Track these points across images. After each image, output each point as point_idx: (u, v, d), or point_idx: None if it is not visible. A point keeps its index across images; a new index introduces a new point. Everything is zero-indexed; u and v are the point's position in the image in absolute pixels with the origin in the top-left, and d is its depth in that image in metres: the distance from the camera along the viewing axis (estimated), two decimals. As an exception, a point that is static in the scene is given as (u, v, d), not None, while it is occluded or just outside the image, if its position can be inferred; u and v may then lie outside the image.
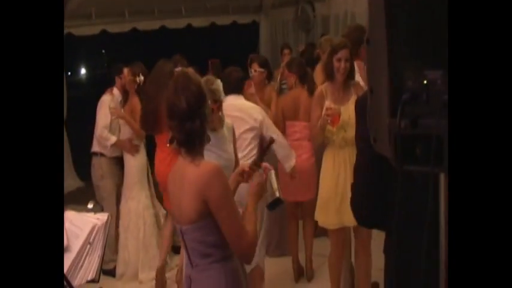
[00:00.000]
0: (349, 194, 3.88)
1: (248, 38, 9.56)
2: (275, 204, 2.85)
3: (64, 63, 6.12)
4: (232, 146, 3.66)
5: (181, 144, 2.48)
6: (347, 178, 3.94)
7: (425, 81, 1.52)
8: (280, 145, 4.34)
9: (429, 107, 1.47)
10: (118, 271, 5.45)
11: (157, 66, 4.95)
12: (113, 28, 7.90)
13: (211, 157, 3.10)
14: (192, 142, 2.47)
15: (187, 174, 2.45)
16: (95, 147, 5.61)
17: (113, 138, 5.45)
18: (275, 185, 2.83)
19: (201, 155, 2.51)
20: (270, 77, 5.61)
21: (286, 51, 7.30)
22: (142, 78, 5.39)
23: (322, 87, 4.19)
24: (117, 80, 5.64)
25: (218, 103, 3.47)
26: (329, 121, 3.91)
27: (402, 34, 1.61)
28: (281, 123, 4.93)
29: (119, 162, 5.68)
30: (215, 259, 2.49)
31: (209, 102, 2.58)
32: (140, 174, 5.48)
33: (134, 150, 5.44)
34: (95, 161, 5.63)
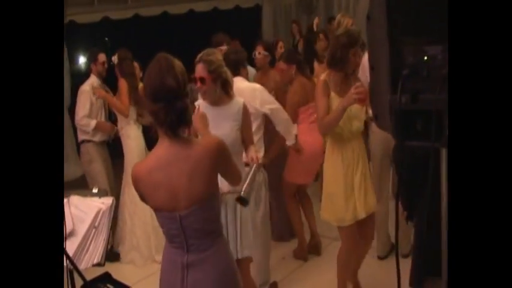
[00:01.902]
0: (360, 187, 3.93)
1: (251, 22, 9.51)
2: (241, 200, 2.97)
3: (67, 51, 6.16)
4: (234, 123, 3.55)
5: (172, 125, 2.39)
6: (357, 171, 3.94)
7: (425, 57, 1.52)
8: (281, 120, 4.32)
9: (429, 82, 1.47)
10: (126, 257, 5.49)
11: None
12: (115, 15, 7.87)
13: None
14: (182, 122, 2.41)
15: (187, 157, 2.41)
16: (80, 136, 5.67)
17: (93, 123, 5.51)
18: (245, 183, 2.97)
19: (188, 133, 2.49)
20: (273, 61, 5.61)
21: (280, 44, 7.38)
22: (116, 59, 5.44)
23: (324, 76, 4.08)
24: (93, 67, 5.71)
25: (214, 74, 3.41)
26: (357, 99, 3.78)
27: (402, 10, 1.61)
28: (295, 110, 4.94)
29: (108, 146, 5.74)
30: (217, 234, 2.54)
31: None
32: (139, 157, 5.50)
33: (111, 130, 5.51)
34: (83, 148, 5.68)
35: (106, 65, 5.73)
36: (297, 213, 5.23)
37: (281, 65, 5.19)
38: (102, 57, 5.69)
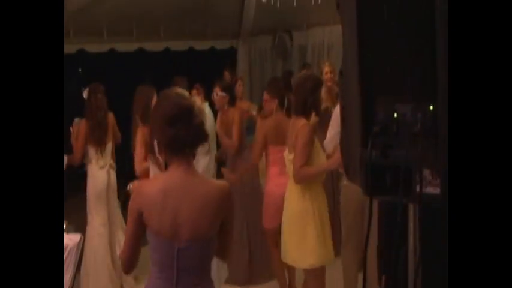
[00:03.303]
0: (324, 229, 3.91)
1: (226, 64, 9.62)
2: None
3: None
4: None
5: (193, 142, 2.46)
6: (322, 214, 3.98)
7: (395, 114, 1.57)
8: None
9: (399, 138, 1.52)
10: None
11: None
12: (90, 47, 7.87)
13: None
14: (201, 139, 2.48)
15: (199, 189, 2.45)
16: None
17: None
18: None
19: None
20: (232, 101, 5.69)
21: (239, 82, 7.53)
22: (86, 93, 5.43)
23: (312, 123, 4.01)
24: None
25: None
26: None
27: (374, 68, 1.66)
28: (263, 148, 4.90)
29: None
30: (207, 273, 2.55)
31: None
32: (96, 197, 5.45)
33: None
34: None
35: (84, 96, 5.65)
36: (278, 260, 4.86)
37: (265, 95, 5.11)
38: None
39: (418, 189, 1.43)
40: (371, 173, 1.49)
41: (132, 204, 2.48)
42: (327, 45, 8.70)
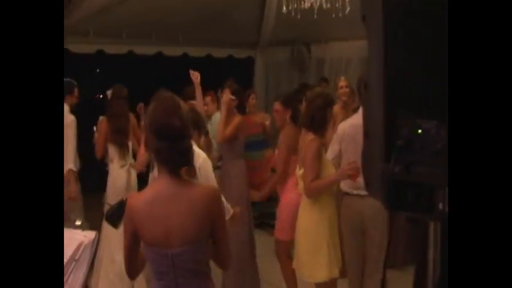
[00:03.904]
0: (335, 242, 3.92)
1: (243, 73, 9.63)
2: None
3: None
4: None
5: (175, 164, 2.45)
6: (333, 227, 4.00)
7: (419, 130, 1.55)
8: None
9: (422, 155, 1.49)
10: None
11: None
12: (110, 49, 7.92)
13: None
14: (184, 162, 2.46)
15: (184, 197, 2.45)
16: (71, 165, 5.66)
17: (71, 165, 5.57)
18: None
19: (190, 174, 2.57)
20: (242, 109, 5.58)
21: (252, 95, 7.52)
22: (110, 94, 5.60)
23: (317, 139, 4.03)
24: (68, 99, 5.74)
25: None
26: (350, 175, 3.80)
27: (400, 82, 1.64)
28: (288, 159, 4.86)
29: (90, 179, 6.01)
30: (206, 275, 2.57)
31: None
32: (115, 196, 5.48)
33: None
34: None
35: (78, 100, 5.80)
36: (291, 274, 4.89)
37: (277, 105, 5.13)
38: (77, 91, 5.80)
39: (441, 207, 1.41)
40: (393, 188, 1.47)
41: (125, 219, 2.55)
42: (345, 60, 8.70)
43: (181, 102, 2.52)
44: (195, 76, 5.34)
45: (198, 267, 2.53)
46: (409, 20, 1.64)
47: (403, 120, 1.60)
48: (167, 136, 2.41)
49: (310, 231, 4.05)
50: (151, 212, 2.45)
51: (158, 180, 2.54)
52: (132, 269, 2.63)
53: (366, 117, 1.76)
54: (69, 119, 5.63)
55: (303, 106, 5.53)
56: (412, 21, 1.63)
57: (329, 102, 4.08)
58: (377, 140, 1.61)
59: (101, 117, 5.69)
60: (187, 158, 2.46)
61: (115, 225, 2.80)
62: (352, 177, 3.81)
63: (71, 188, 5.54)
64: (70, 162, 5.55)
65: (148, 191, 2.60)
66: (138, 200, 2.52)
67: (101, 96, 5.98)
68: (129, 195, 2.60)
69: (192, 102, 5.41)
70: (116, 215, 2.76)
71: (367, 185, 1.63)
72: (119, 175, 5.53)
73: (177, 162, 2.45)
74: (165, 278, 2.51)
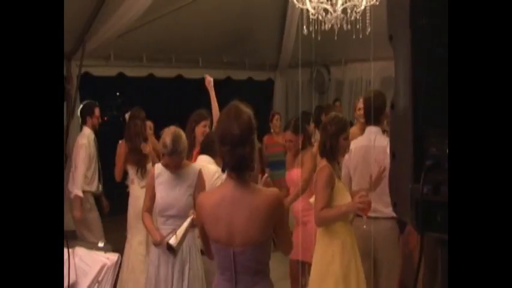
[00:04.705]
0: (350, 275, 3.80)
1: (263, 95, 9.65)
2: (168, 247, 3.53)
3: (79, 101, 6.30)
4: (188, 188, 4.05)
5: (233, 169, 2.68)
6: (351, 259, 3.90)
7: (448, 150, 1.53)
8: None
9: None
10: None
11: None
12: (130, 72, 8.00)
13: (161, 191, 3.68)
14: (243, 167, 2.67)
15: (247, 201, 2.66)
16: (74, 188, 5.69)
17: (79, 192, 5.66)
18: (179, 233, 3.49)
19: (250, 180, 2.74)
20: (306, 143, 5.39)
21: (276, 116, 7.96)
22: (128, 117, 5.74)
23: (328, 166, 3.92)
24: (88, 120, 5.86)
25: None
26: (361, 209, 3.72)
27: (427, 102, 1.63)
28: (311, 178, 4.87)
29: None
30: (264, 274, 2.79)
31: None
32: (134, 217, 5.58)
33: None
34: (83, 197, 5.75)
35: (100, 119, 5.90)
36: None
37: (288, 135, 5.19)
38: (97, 111, 5.89)
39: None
40: (422, 209, 1.45)
41: (197, 215, 2.94)
42: (365, 81, 8.68)
43: (245, 112, 2.73)
44: (208, 81, 5.38)
45: (257, 267, 2.74)
46: (438, 38, 1.62)
47: (431, 140, 1.58)
48: (227, 142, 2.66)
49: (322, 261, 3.94)
50: (216, 213, 2.71)
51: (225, 183, 2.78)
52: (209, 252, 2.91)
53: (392, 138, 1.74)
54: (79, 143, 5.70)
55: (310, 127, 5.56)
56: (440, 41, 1.61)
57: (342, 128, 3.99)
58: (405, 160, 1.59)
59: (120, 141, 5.76)
60: (244, 163, 2.66)
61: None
62: (363, 211, 3.76)
63: (75, 213, 5.60)
64: (77, 187, 5.60)
65: (217, 192, 2.87)
66: (206, 199, 2.81)
67: (121, 119, 6.03)
68: (200, 195, 2.92)
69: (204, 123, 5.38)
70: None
71: (395, 206, 1.61)
72: (140, 196, 5.56)
73: (235, 167, 2.67)
74: (226, 273, 2.76)
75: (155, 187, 4.14)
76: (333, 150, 3.92)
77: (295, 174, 5.05)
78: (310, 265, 4.79)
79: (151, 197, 4.19)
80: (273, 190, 2.81)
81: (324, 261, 3.94)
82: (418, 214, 1.47)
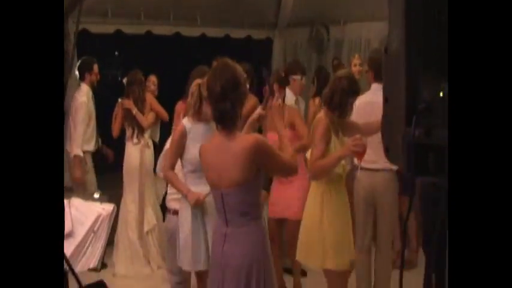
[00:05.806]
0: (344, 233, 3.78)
1: (261, 54, 9.56)
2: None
3: (76, 59, 6.24)
4: None
5: (217, 121, 2.97)
6: (343, 216, 3.87)
7: (441, 94, 1.52)
8: None
9: (443, 118, 1.46)
10: (119, 267, 5.67)
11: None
12: (128, 29, 7.91)
13: (195, 147, 3.48)
14: (225, 120, 2.93)
15: (229, 147, 2.92)
16: (75, 147, 5.68)
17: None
18: None
19: (236, 130, 2.98)
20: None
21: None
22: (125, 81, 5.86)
23: (323, 116, 3.82)
24: (87, 76, 5.83)
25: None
26: (355, 152, 3.58)
27: (421, 46, 1.61)
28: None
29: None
30: (252, 217, 3.02)
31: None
32: (129, 174, 5.76)
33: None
34: (82, 158, 5.76)
35: (99, 76, 5.88)
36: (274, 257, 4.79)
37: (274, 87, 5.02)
38: (96, 67, 5.87)
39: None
40: (413, 152, 1.44)
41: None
42: (364, 41, 8.59)
43: (230, 69, 2.94)
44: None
45: (245, 208, 2.98)
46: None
47: (425, 84, 1.57)
48: (210, 98, 2.99)
49: (315, 218, 3.83)
50: (208, 160, 3.05)
51: (215, 134, 3.09)
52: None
53: (386, 82, 1.73)
54: (79, 101, 5.69)
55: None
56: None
57: (354, 89, 3.85)
58: (398, 104, 1.58)
59: (120, 100, 5.82)
60: (224, 118, 2.93)
61: None
62: (358, 154, 3.61)
63: (75, 174, 5.61)
64: (77, 146, 5.61)
65: (210, 142, 3.12)
66: (203, 148, 3.12)
67: (119, 78, 6.04)
68: (200, 145, 3.17)
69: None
70: None
71: (387, 150, 1.61)
72: (133, 153, 5.70)
73: (217, 120, 2.96)
74: (220, 214, 3.05)
75: (186, 143, 3.89)
76: (342, 106, 3.79)
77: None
78: (292, 222, 4.75)
79: (178, 154, 3.94)
80: (252, 135, 3.03)
81: (316, 222, 3.86)
82: (410, 157, 1.46)
